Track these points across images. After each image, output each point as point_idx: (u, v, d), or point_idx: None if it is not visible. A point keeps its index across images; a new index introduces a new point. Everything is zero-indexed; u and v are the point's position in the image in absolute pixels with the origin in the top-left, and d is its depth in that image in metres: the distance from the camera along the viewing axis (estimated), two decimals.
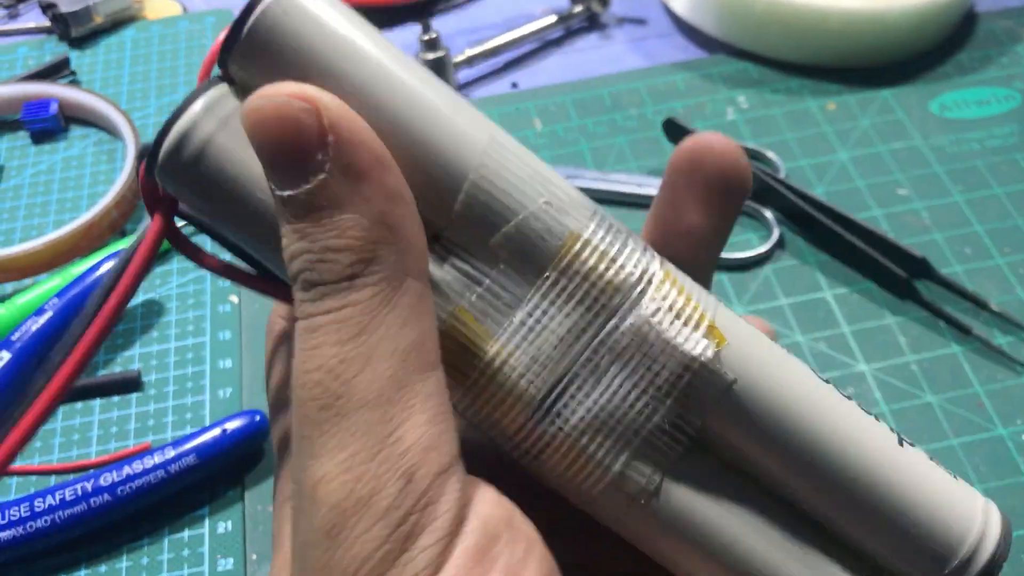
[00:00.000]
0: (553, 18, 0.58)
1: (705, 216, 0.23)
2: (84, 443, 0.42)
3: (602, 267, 0.20)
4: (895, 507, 0.20)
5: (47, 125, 0.55)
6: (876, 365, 0.42)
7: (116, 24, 0.62)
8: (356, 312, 0.18)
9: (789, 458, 0.20)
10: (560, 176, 0.21)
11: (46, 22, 0.62)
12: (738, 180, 0.23)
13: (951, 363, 0.42)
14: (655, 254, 0.21)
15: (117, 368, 0.44)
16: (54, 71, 0.58)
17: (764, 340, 0.21)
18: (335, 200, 0.18)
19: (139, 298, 0.47)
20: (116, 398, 0.43)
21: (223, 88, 0.20)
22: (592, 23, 0.60)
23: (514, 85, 0.56)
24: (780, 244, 0.46)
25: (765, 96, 0.54)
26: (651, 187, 0.48)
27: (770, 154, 0.50)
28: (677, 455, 0.20)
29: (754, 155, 0.50)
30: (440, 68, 0.54)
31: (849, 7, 0.52)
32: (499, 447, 0.21)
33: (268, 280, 0.22)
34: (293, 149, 0.18)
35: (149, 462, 0.38)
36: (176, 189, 0.20)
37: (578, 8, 0.59)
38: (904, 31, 0.53)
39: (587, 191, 0.48)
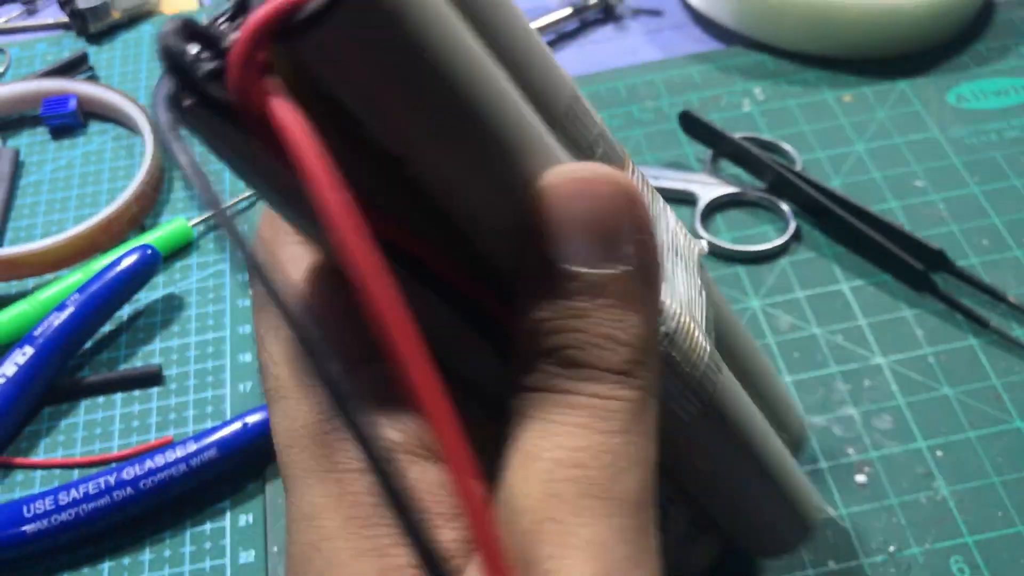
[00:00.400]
0: (569, 10, 0.58)
1: None
2: (106, 437, 0.42)
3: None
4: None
5: (66, 121, 0.55)
6: (893, 358, 0.42)
7: (133, 19, 0.62)
8: (623, 408, 0.18)
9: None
10: None
11: (64, 18, 0.62)
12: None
13: (968, 355, 0.42)
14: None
15: (138, 363, 0.45)
16: (73, 67, 0.58)
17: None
18: (630, 296, 0.18)
19: (159, 292, 0.47)
20: (137, 392, 0.44)
21: None
22: (607, 14, 0.59)
23: None
24: (797, 236, 0.46)
25: (781, 88, 0.53)
26: (667, 179, 0.48)
27: (786, 146, 0.50)
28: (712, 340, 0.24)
29: (770, 147, 0.50)
30: None
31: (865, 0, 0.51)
32: None
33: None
34: (613, 231, 0.18)
35: (171, 456, 0.39)
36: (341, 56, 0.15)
37: (593, 0, 0.58)
38: (922, 23, 0.53)
39: None
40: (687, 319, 0.22)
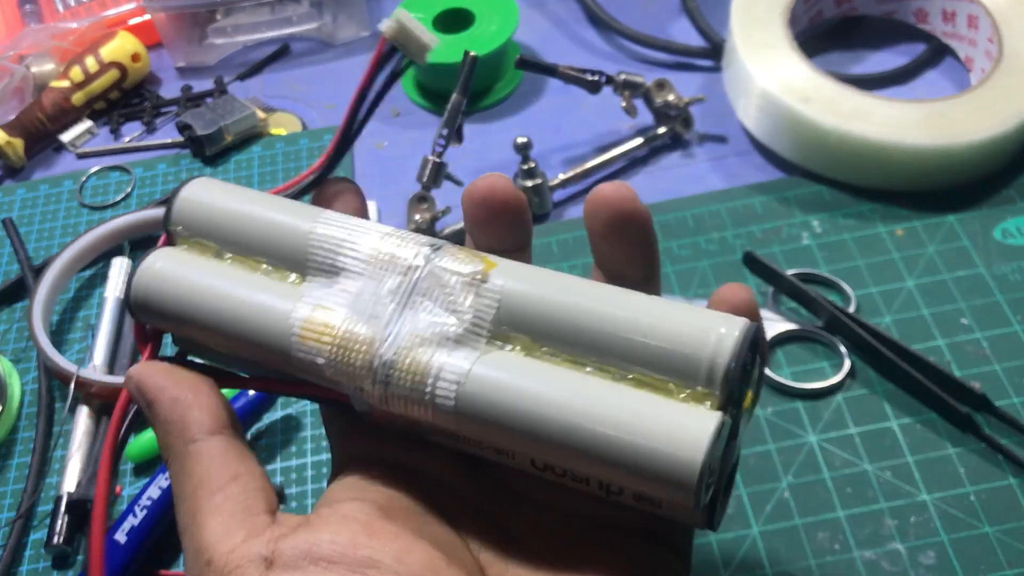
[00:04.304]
0: (639, 140, 0.63)
1: (621, 252, 0.30)
2: None
3: (401, 247, 0.29)
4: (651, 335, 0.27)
5: None
6: (937, 495, 0.46)
7: (244, 141, 0.69)
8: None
9: (557, 335, 0.27)
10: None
11: (181, 137, 0.69)
12: (628, 216, 0.29)
13: (1008, 495, 0.46)
14: (463, 250, 0.29)
15: None
16: None
17: (529, 267, 0.29)
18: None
19: (278, 414, 0.54)
20: None
21: (161, 251, 0.30)
22: (675, 141, 0.65)
23: None
24: (851, 374, 0.51)
25: (837, 221, 0.58)
26: None
27: (842, 283, 0.54)
28: (482, 346, 0.27)
29: (827, 283, 0.55)
30: (538, 193, 0.60)
31: (916, 143, 0.56)
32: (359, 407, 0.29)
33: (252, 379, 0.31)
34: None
35: None
36: (152, 322, 0.31)
37: (662, 129, 0.64)
38: (971, 160, 0.57)
39: None
40: (409, 351, 0.27)
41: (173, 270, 0.30)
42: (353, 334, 0.28)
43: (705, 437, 0.25)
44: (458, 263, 0.28)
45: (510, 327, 0.28)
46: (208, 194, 0.31)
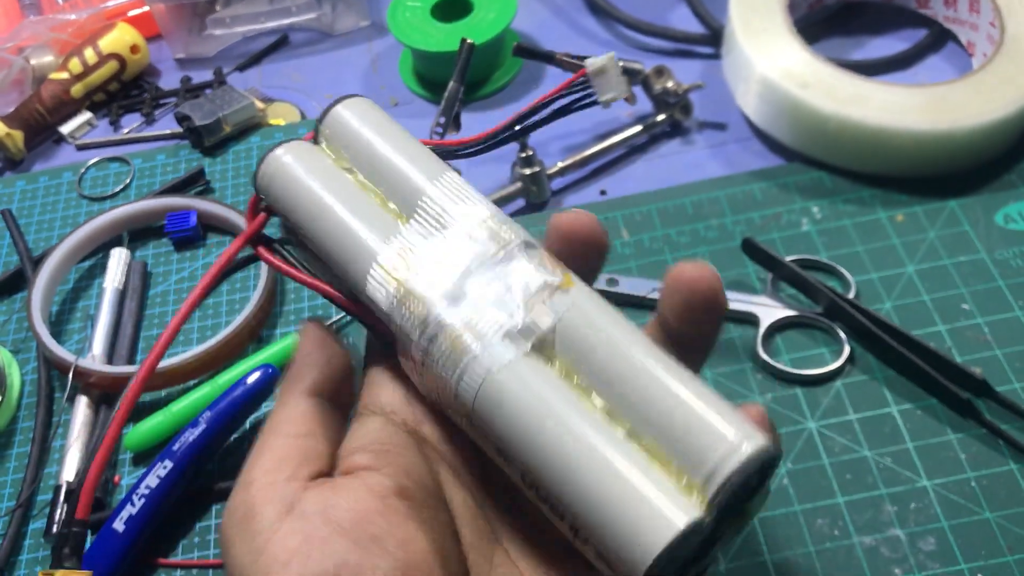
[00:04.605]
0: (638, 127, 0.63)
1: (689, 328, 0.31)
2: None
3: (504, 229, 0.30)
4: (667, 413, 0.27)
5: (187, 234, 0.62)
6: (937, 481, 0.46)
7: (243, 132, 0.68)
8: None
9: (596, 376, 0.28)
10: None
11: (180, 128, 0.69)
12: (709, 305, 0.30)
13: (1009, 481, 0.46)
14: (552, 259, 0.30)
15: None
16: (191, 181, 0.65)
17: (602, 300, 0.29)
18: None
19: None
20: None
21: (296, 144, 0.33)
22: (675, 129, 0.64)
23: (603, 192, 0.61)
24: (851, 360, 0.51)
25: (837, 207, 0.58)
26: (731, 301, 0.53)
27: (842, 269, 0.54)
28: (527, 347, 0.28)
29: (827, 269, 0.54)
30: (536, 181, 0.60)
31: (916, 128, 0.55)
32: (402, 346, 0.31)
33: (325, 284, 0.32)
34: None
35: None
36: (269, 201, 0.33)
37: (662, 116, 0.63)
38: (972, 145, 0.56)
39: None
40: (459, 325, 0.28)
41: (297, 166, 0.32)
42: (421, 287, 0.29)
43: (670, 533, 0.24)
44: (540, 267, 0.29)
45: (559, 346, 0.28)
46: (361, 115, 0.33)
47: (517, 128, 0.41)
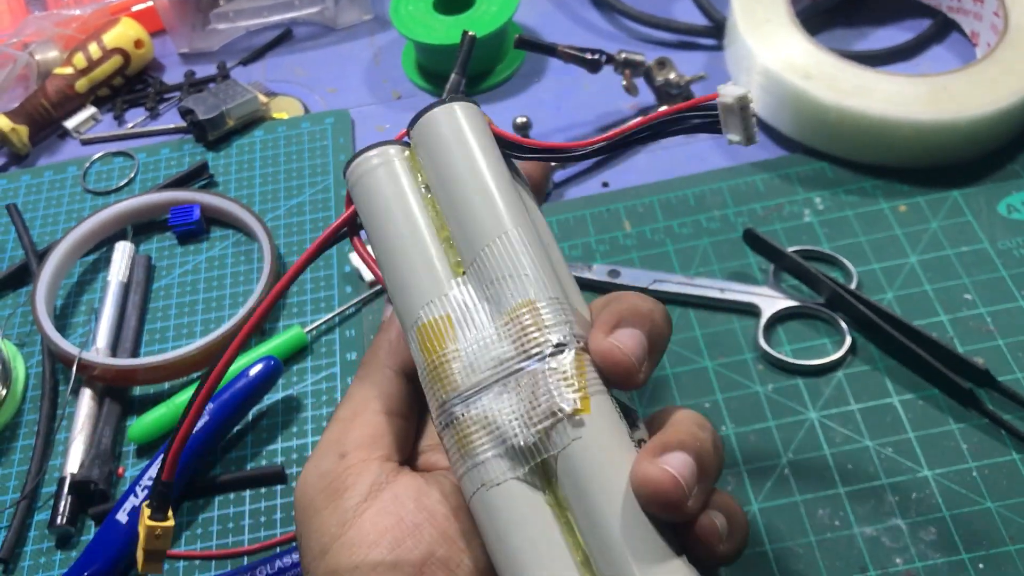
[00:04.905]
0: (640, 118, 0.63)
1: None
2: (238, 531, 0.49)
3: (533, 329, 0.28)
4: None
5: (191, 228, 0.62)
6: (939, 471, 0.46)
7: (246, 125, 0.69)
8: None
9: (582, 519, 0.27)
10: (567, 273, 0.31)
11: (183, 122, 0.69)
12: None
13: (1010, 470, 0.46)
14: (580, 344, 0.28)
15: (263, 461, 0.51)
16: (195, 175, 0.65)
17: (617, 435, 0.28)
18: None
19: (279, 395, 0.54)
20: (264, 490, 0.50)
21: (394, 147, 0.32)
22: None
23: (605, 184, 0.61)
24: (852, 350, 0.51)
25: (840, 197, 0.58)
26: (732, 292, 0.53)
27: (844, 259, 0.54)
28: (524, 470, 0.28)
29: (828, 259, 0.54)
30: None
31: (919, 118, 0.55)
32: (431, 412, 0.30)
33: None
34: None
35: (297, 557, 0.45)
36: (354, 199, 0.32)
37: (663, 108, 0.63)
38: (974, 135, 0.56)
39: (673, 295, 0.54)
40: (471, 423, 0.29)
41: (377, 180, 0.31)
42: (447, 370, 0.29)
43: None
44: (561, 386, 0.28)
45: (560, 474, 0.28)
46: (455, 129, 0.31)
47: (624, 140, 0.38)
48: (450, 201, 0.30)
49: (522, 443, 0.27)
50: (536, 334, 0.28)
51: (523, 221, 0.30)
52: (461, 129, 0.31)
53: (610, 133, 0.34)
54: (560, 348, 0.28)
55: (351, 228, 0.33)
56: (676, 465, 0.26)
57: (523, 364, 0.28)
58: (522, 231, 0.29)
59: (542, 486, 0.28)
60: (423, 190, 0.31)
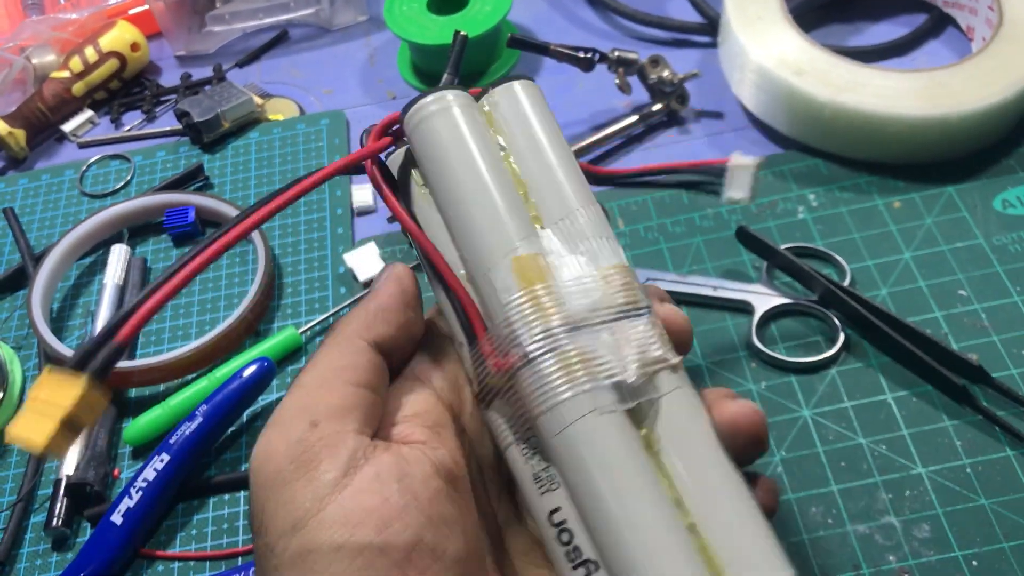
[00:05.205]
0: (635, 117, 0.63)
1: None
2: (232, 532, 0.49)
3: (629, 288, 0.31)
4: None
5: (186, 230, 0.62)
6: (933, 468, 0.46)
7: (242, 127, 0.69)
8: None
9: (676, 465, 0.29)
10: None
11: (179, 125, 0.69)
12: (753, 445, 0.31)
13: (1005, 467, 0.45)
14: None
15: None
16: (190, 177, 0.65)
17: (699, 396, 0.31)
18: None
19: (274, 395, 0.54)
20: None
21: (457, 92, 0.32)
22: (671, 118, 0.64)
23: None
24: (846, 347, 0.50)
25: (834, 194, 0.57)
26: (725, 290, 0.53)
27: (837, 256, 0.54)
28: (630, 405, 0.29)
29: (822, 256, 0.54)
30: None
31: (913, 114, 0.55)
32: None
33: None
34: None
35: None
36: (411, 140, 0.32)
37: (658, 106, 0.63)
38: (968, 130, 0.56)
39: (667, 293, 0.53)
40: (574, 353, 0.29)
41: (463, 123, 0.31)
42: (550, 300, 0.29)
43: None
44: (661, 339, 0.30)
45: (655, 421, 0.29)
46: (534, 104, 0.33)
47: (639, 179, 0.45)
48: (538, 164, 0.32)
49: (631, 380, 0.29)
50: (632, 293, 0.30)
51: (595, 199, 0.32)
52: (541, 103, 0.33)
53: (650, 166, 0.42)
54: (649, 309, 0.31)
55: (383, 170, 0.32)
56: (752, 405, 0.31)
57: (621, 314, 0.30)
58: (597, 208, 0.32)
59: (637, 429, 0.29)
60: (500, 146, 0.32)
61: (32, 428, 0.26)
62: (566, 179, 0.31)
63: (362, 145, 0.33)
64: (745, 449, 0.30)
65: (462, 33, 0.60)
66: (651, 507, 0.27)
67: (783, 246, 0.53)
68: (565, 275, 0.30)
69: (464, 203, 0.30)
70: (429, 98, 0.31)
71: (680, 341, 0.32)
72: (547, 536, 0.29)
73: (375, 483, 0.27)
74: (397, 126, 0.32)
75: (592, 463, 0.28)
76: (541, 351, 0.28)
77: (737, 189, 0.44)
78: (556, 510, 0.29)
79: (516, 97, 0.32)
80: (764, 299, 0.52)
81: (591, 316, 0.29)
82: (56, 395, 0.27)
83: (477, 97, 0.33)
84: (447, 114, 0.31)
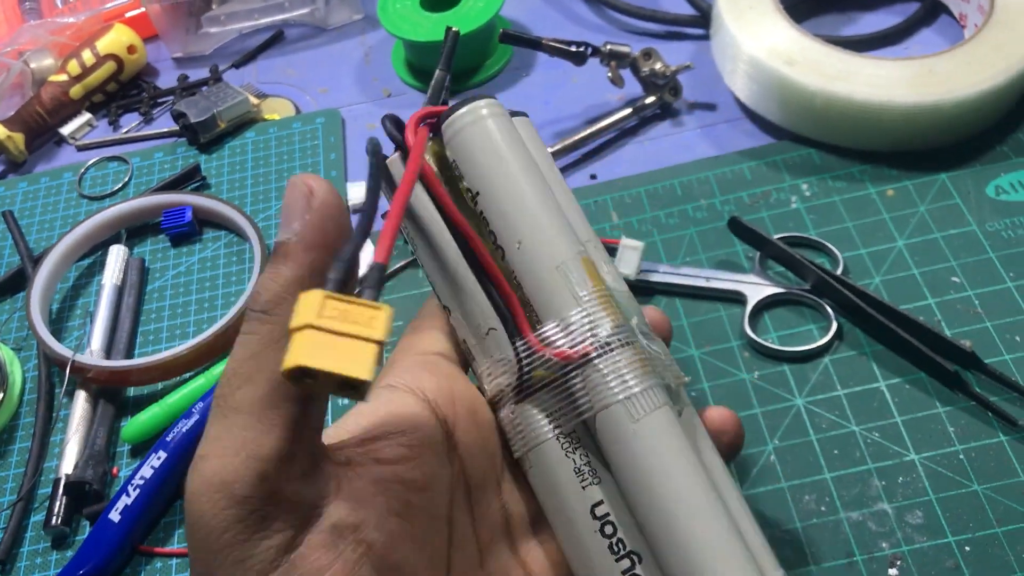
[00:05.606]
0: (628, 110, 0.63)
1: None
2: None
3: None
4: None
5: (183, 230, 0.63)
6: (926, 454, 0.46)
7: (238, 127, 0.69)
8: (255, 339, 0.25)
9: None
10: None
11: (176, 126, 0.70)
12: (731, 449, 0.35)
13: (998, 452, 0.45)
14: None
15: None
16: (187, 178, 0.66)
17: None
18: (287, 254, 0.26)
19: None
20: None
21: (500, 106, 0.31)
22: (665, 111, 0.64)
23: (593, 176, 0.61)
24: (838, 335, 0.51)
25: (827, 183, 0.57)
26: (718, 280, 0.53)
27: (830, 245, 0.54)
28: (677, 409, 0.30)
29: (815, 245, 0.54)
30: None
31: (904, 101, 0.55)
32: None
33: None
34: (287, 212, 0.26)
35: None
36: (450, 147, 0.31)
37: (651, 99, 0.63)
38: (960, 117, 0.56)
39: (659, 285, 0.54)
40: (633, 356, 0.29)
41: (512, 127, 0.31)
42: (616, 300, 0.30)
43: None
44: (671, 358, 0.32)
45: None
46: (531, 136, 0.34)
47: None
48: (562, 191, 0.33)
49: (674, 386, 0.30)
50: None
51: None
52: (536, 139, 0.34)
53: None
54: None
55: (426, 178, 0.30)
56: (730, 411, 0.35)
57: (643, 327, 0.31)
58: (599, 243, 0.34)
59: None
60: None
61: (351, 361, 0.22)
62: (578, 216, 0.33)
63: (394, 132, 0.32)
64: (734, 444, 0.34)
65: (453, 29, 0.60)
66: (712, 502, 0.28)
67: (776, 236, 0.53)
68: (610, 283, 0.31)
69: (533, 205, 0.30)
70: (482, 102, 0.31)
71: (668, 338, 0.36)
72: (583, 530, 0.30)
73: (330, 537, 0.25)
74: (431, 120, 0.32)
75: (663, 455, 0.28)
76: (620, 343, 0.29)
77: (626, 266, 0.50)
78: (599, 503, 0.29)
79: (524, 125, 0.33)
80: (757, 289, 0.52)
81: (643, 326, 0.31)
82: (351, 321, 0.23)
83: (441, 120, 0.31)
84: (503, 119, 0.31)
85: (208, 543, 0.24)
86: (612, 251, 0.51)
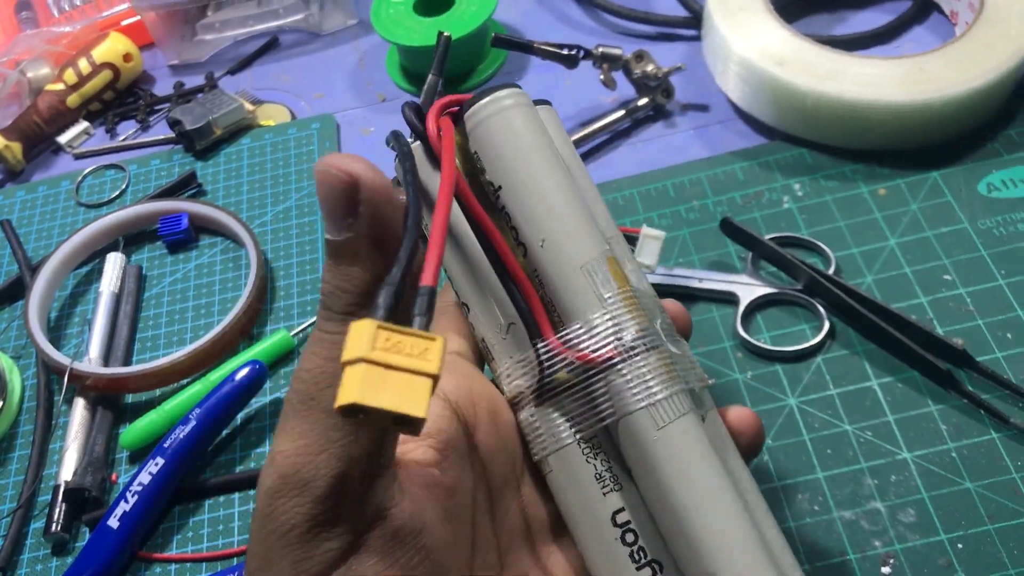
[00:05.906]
0: (621, 112, 0.63)
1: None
2: (228, 533, 0.50)
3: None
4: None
5: (180, 237, 0.63)
6: (918, 452, 0.46)
7: (233, 134, 0.69)
8: (340, 340, 0.23)
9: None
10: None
11: (172, 133, 0.70)
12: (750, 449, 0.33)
13: (990, 450, 0.46)
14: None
15: (252, 464, 0.52)
16: (183, 185, 0.66)
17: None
18: (354, 255, 0.24)
19: (267, 398, 0.55)
20: (252, 492, 0.51)
21: (526, 97, 0.31)
22: (657, 112, 0.64)
23: None
24: (831, 335, 0.51)
25: (819, 183, 0.58)
26: (711, 281, 0.53)
27: (822, 245, 0.54)
28: (701, 415, 0.29)
29: (807, 245, 0.54)
30: None
31: (895, 100, 0.55)
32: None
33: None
34: (337, 208, 0.24)
35: None
36: (472, 136, 0.30)
37: (643, 101, 0.63)
38: (952, 116, 0.56)
39: (653, 286, 0.54)
40: (659, 364, 0.29)
41: (540, 122, 0.30)
42: (637, 299, 0.29)
43: None
44: (694, 363, 0.31)
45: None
46: (557, 127, 0.33)
47: None
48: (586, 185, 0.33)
49: (696, 389, 0.30)
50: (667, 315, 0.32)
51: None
52: (556, 124, 0.34)
53: None
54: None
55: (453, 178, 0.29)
56: (750, 411, 0.33)
57: (670, 330, 0.31)
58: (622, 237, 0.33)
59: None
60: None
61: (405, 397, 0.21)
62: (602, 210, 0.32)
63: (414, 121, 0.31)
64: (756, 441, 0.33)
65: (445, 34, 0.60)
66: (738, 512, 0.27)
67: (768, 236, 0.54)
68: (635, 281, 0.30)
69: (558, 202, 0.29)
70: (505, 91, 0.30)
71: (687, 332, 0.35)
72: (603, 538, 0.29)
73: (390, 543, 0.25)
74: (453, 108, 0.31)
75: (688, 464, 0.27)
76: (644, 347, 0.28)
77: (641, 254, 0.49)
78: (620, 510, 0.29)
79: (549, 115, 0.33)
80: (749, 289, 0.53)
81: (666, 327, 0.30)
82: (405, 354, 0.22)
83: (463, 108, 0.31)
84: (528, 111, 0.30)
85: (273, 538, 0.24)
86: (632, 240, 0.51)
